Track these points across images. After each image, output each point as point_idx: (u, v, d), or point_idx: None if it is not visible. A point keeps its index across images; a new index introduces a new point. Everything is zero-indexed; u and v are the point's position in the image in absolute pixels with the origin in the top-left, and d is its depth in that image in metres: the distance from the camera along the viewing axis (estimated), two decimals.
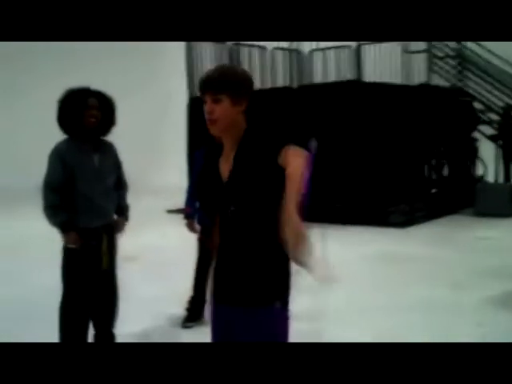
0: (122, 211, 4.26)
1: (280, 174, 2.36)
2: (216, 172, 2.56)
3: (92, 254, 3.96)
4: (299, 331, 4.82)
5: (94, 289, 4.02)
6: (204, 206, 2.69)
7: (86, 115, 3.87)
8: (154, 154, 19.95)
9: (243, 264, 2.53)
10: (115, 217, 4.20)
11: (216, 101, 2.44)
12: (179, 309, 5.47)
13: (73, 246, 3.88)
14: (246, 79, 2.54)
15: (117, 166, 4.18)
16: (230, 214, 2.51)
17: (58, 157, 3.88)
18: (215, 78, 2.46)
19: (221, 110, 2.44)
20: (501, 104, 12.76)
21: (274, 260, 2.52)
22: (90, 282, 3.97)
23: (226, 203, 2.53)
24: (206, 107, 2.46)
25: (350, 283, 6.71)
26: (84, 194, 3.89)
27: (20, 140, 18.78)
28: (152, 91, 20.82)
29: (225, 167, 2.54)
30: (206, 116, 2.47)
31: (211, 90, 2.45)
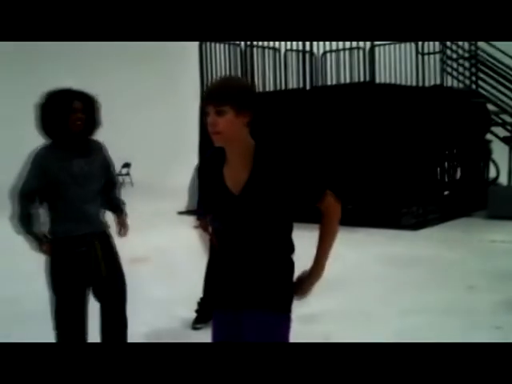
0: (119, 207, 4.12)
1: (306, 206, 2.53)
2: (221, 181, 2.54)
3: (83, 261, 3.75)
4: (312, 333, 4.82)
5: (95, 296, 3.88)
6: (212, 211, 2.67)
7: (72, 119, 3.65)
8: (168, 155, 19.99)
9: (249, 268, 2.55)
10: (111, 218, 4.02)
11: (219, 112, 2.40)
12: (189, 310, 5.46)
13: (45, 254, 3.73)
14: (250, 90, 2.51)
15: (106, 167, 3.94)
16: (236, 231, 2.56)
17: (37, 163, 3.67)
18: (218, 90, 2.43)
19: (224, 122, 2.40)
20: None
21: (279, 264, 2.57)
22: (82, 288, 3.80)
23: (236, 216, 2.53)
24: (209, 119, 2.42)
25: (362, 285, 6.68)
26: (69, 201, 3.69)
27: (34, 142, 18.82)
28: (168, 94, 20.89)
29: (231, 178, 2.52)
30: (210, 128, 2.43)
31: (214, 102, 2.40)
